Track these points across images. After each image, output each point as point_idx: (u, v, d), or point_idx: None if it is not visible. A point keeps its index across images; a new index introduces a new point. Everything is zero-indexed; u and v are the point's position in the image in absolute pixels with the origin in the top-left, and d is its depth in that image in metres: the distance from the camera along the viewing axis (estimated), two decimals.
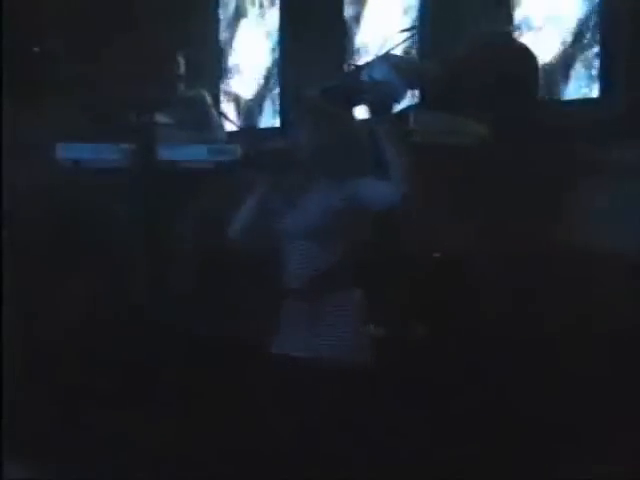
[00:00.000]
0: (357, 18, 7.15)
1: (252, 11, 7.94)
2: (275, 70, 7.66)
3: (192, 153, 6.28)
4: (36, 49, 7.20)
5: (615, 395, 4.14)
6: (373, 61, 5.02)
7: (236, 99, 7.95)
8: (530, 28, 6.02)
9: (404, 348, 4.53)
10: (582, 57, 5.83)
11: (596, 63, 5.74)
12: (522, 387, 4.32)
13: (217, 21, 8.12)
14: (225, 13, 8.14)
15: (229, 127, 7.10)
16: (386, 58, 4.99)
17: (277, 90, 7.61)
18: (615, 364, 4.28)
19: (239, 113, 7.91)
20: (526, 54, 5.35)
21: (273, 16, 7.71)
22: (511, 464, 3.99)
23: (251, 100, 7.88)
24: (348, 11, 7.20)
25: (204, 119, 6.88)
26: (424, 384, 4.28)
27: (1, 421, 4.65)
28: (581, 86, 5.82)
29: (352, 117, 3.50)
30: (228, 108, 7.79)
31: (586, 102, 5.76)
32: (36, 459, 4.61)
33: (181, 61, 7.06)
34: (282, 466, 3.41)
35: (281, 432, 3.42)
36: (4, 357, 4.95)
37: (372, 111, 3.42)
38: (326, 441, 3.36)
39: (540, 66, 5.44)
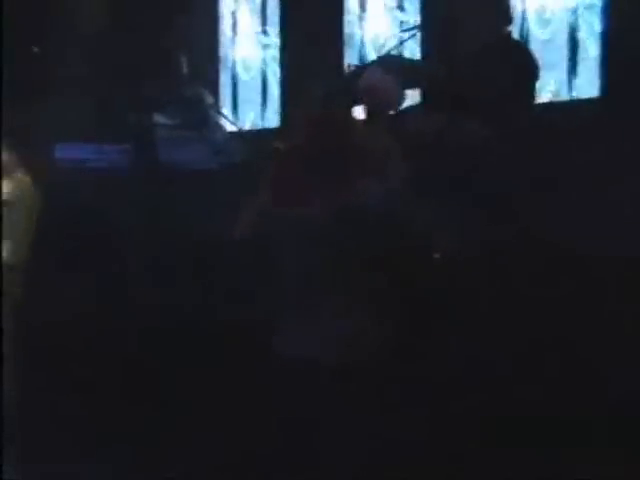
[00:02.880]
0: (358, 17, 7.15)
1: (253, 11, 7.94)
2: (276, 70, 7.66)
3: (192, 153, 6.29)
4: (36, 49, 7.21)
5: (616, 397, 4.15)
6: (370, 64, 5.03)
7: (236, 99, 7.95)
8: (530, 28, 6.03)
9: (402, 348, 4.53)
10: (582, 57, 5.83)
11: (596, 63, 5.74)
12: (522, 387, 4.32)
13: (217, 21, 8.12)
14: (225, 13, 8.14)
15: (229, 127, 7.10)
16: (384, 61, 4.99)
17: (277, 90, 7.61)
18: (616, 366, 4.28)
19: (239, 113, 7.90)
20: (526, 54, 5.35)
21: (274, 16, 7.71)
22: (511, 465, 3.99)
23: (251, 100, 7.88)
24: (349, 11, 7.20)
25: (204, 119, 6.89)
26: (422, 384, 4.28)
27: (1, 421, 4.65)
28: (581, 86, 5.83)
29: (352, 118, 3.51)
30: (228, 108, 7.79)
31: (586, 102, 5.77)
32: (36, 460, 4.61)
33: (181, 61, 7.07)
34: (278, 464, 3.42)
35: (279, 430, 3.44)
36: (4, 358, 4.95)
37: (369, 113, 3.44)
38: (324, 439, 3.37)
39: (540, 66, 5.44)
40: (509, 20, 5.35)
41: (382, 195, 3.38)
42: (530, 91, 5.23)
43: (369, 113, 3.43)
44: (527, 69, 5.21)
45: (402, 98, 4.07)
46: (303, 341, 3.49)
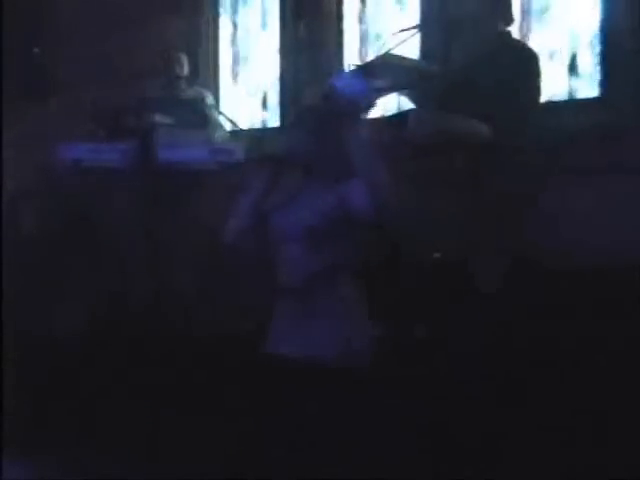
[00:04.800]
0: (358, 17, 7.15)
1: (252, 10, 7.94)
2: (275, 69, 7.65)
3: (192, 153, 6.28)
4: (36, 49, 7.21)
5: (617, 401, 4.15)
6: (370, 64, 5.03)
7: (236, 99, 7.95)
8: (531, 28, 6.03)
9: (402, 348, 4.53)
10: (582, 57, 5.83)
11: (596, 63, 5.74)
12: (523, 389, 4.32)
13: (217, 21, 8.11)
14: (225, 12, 8.13)
15: (229, 127, 7.10)
16: (383, 60, 4.99)
17: (277, 90, 7.61)
18: (617, 370, 4.28)
19: (239, 113, 7.90)
20: (527, 54, 5.34)
21: (273, 15, 7.70)
22: (511, 466, 3.99)
23: (251, 100, 7.87)
24: (349, 10, 7.20)
25: (204, 119, 6.89)
26: (422, 384, 4.28)
27: (1, 421, 4.65)
28: (581, 86, 5.83)
29: (339, 121, 3.52)
30: (228, 108, 7.78)
31: (586, 102, 5.77)
32: (36, 459, 4.61)
33: (182, 61, 7.07)
34: (275, 466, 3.42)
35: (276, 432, 3.43)
36: (4, 358, 4.96)
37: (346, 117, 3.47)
38: (322, 441, 3.37)
39: (541, 66, 5.43)
40: (510, 20, 5.35)
41: (367, 197, 3.39)
42: (532, 91, 5.22)
43: (346, 116, 3.44)
44: (528, 69, 5.21)
45: (371, 100, 4.10)
46: (298, 342, 3.49)
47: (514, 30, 5.48)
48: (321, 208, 3.52)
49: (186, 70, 7.11)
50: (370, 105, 3.95)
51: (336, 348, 3.46)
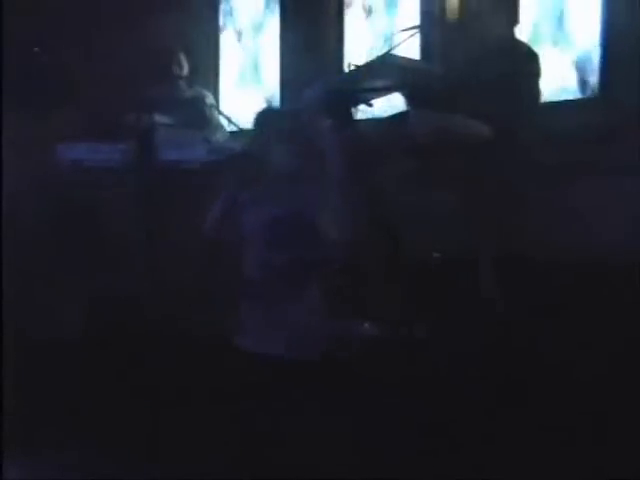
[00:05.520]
0: (358, 17, 7.16)
1: (252, 10, 7.95)
2: (275, 69, 7.66)
3: (192, 153, 6.29)
4: (36, 49, 7.21)
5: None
6: (370, 64, 5.05)
7: (236, 99, 7.95)
8: (531, 28, 6.04)
9: (373, 345, 4.53)
10: (582, 57, 5.84)
11: (596, 63, 5.75)
12: (522, 389, 4.32)
13: (217, 21, 8.12)
14: (225, 13, 8.14)
15: (229, 127, 7.11)
16: (383, 60, 5.01)
17: (277, 90, 7.62)
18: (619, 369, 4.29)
19: (239, 113, 7.91)
20: (528, 54, 5.35)
21: (273, 16, 7.71)
22: (511, 466, 3.99)
23: (251, 100, 7.88)
24: (349, 11, 7.21)
25: (204, 119, 6.90)
26: (419, 384, 4.28)
27: (1, 421, 4.65)
28: (581, 86, 5.84)
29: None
30: (228, 108, 7.79)
31: (586, 102, 5.77)
32: (36, 459, 4.62)
33: (182, 61, 7.08)
34: (248, 463, 3.44)
35: (274, 431, 3.45)
36: (4, 357, 4.96)
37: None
38: (320, 440, 3.37)
39: (541, 66, 5.44)
40: (515, 21, 5.36)
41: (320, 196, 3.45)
42: (532, 91, 5.23)
43: (313, 121, 3.52)
44: (529, 69, 5.21)
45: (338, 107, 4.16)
46: (270, 339, 3.53)
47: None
48: (288, 206, 3.57)
49: (186, 70, 7.12)
50: (337, 111, 4.04)
51: (304, 344, 3.49)
